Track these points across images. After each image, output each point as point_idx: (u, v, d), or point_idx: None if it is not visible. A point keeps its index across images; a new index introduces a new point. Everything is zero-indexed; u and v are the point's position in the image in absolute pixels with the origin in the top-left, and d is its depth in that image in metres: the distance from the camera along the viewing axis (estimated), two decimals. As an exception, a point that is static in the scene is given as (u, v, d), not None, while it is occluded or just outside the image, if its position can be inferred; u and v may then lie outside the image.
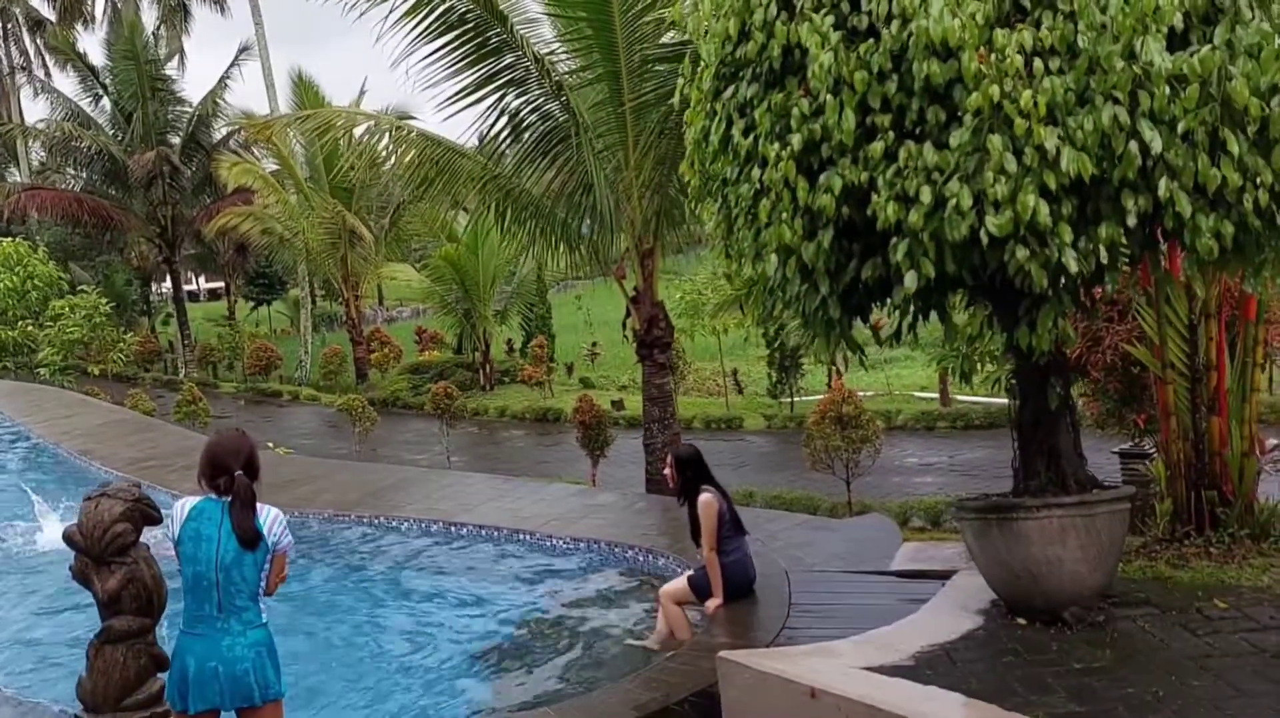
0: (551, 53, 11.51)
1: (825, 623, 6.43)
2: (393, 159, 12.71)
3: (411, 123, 13.65)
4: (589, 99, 11.63)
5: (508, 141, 12.04)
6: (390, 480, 12.75)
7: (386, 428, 20.01)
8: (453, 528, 10.48)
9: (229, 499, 4.41)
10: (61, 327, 26.72)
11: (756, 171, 5.04)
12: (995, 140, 4.39)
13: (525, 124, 11.84)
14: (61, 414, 18.29)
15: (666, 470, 7.46)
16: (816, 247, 4.87)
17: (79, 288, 30.65)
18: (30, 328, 27.29)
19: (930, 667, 4.85)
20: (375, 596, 9.21)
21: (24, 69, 43.64)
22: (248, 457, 4.48)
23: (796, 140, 4.78)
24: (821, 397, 14.82)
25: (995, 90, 4.37)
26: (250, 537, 4.36)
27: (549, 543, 9.73)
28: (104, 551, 5.11)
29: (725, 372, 24.57)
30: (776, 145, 4.89)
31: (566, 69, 11.62)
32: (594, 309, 31.61)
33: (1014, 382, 5.75)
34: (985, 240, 4.47)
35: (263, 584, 4.45)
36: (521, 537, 9.95)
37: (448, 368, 26.60)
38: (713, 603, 6.85)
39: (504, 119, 11.75)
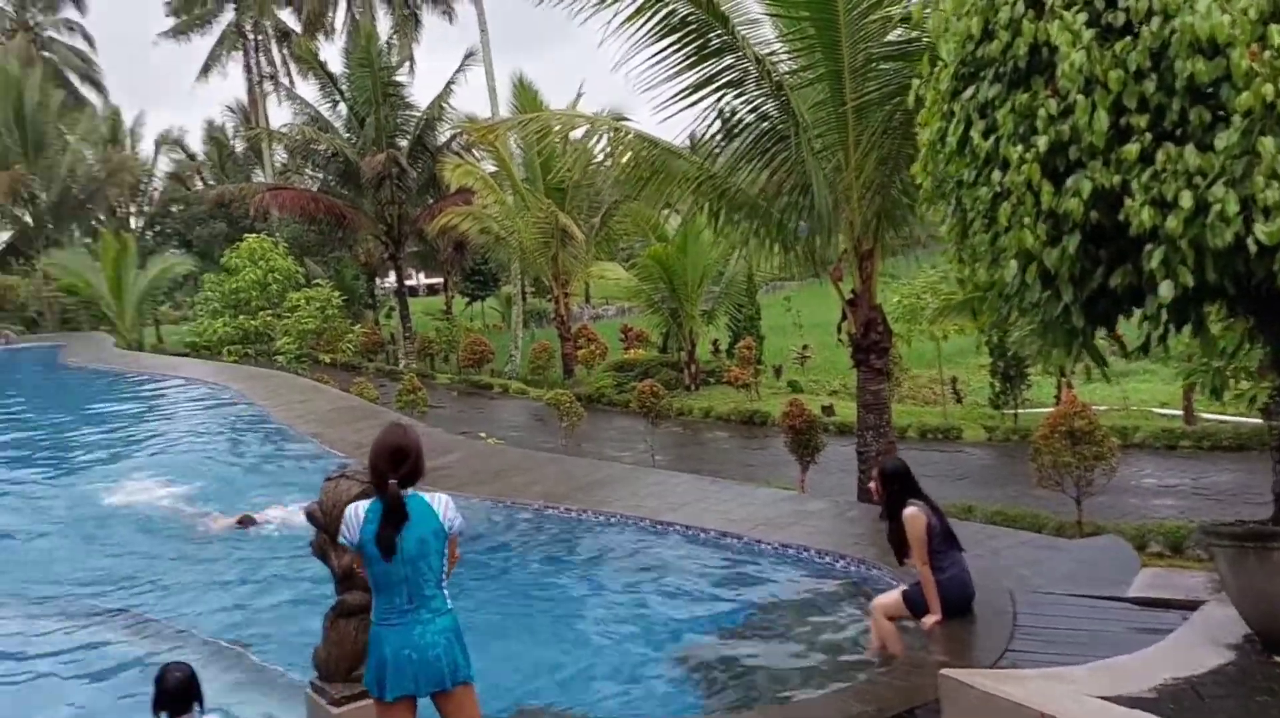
0: (772, 53, 11.51)
1: (1052, 648, 6.21)
2: (609, 160, 13.02)
3: (628, 124, 13.99)
4: (809, 99, 11.59)
5: (724, 142, 12.16)
6: (597, 476, 13.11)
7: (591, 424, 20.55)
8: (659, 526, 10.69)
9: (409, 495, 4.59)
10: (297, 317, 28.76)
11: (996, 174, 4.94)
12: (1267, 143, 4.15)
13: (743, 124, 11.92)
14: (296, 399, 19.76)
15: (871, 484, 7.40)
16: (1061, 252, 4.73)
17: (314, 281, 32.98)
18: (270, 318, 29.52)
19: (1174, 701, 4.63)
20: (581, 589, 9.50)
21: (271, 78, 47.63)
22: (414, 457, 4.61)
23: (1042, 142, 4.66)
24: (1049, 409, 14.20)
25: (1269, 89, 4.13)
26: (387, 549, 4.53)
27: (757, 547, 9.79)
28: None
29: (944, 379, 23.88)
30: (1020, 147, 4.78)
31: (787, 69, 11.61)
32: (804, 311, 31.36)
33: (1276, 400, 5.38)
34: (1252, 248, 4.22)
35: (445, 570, 4.65)
36: (729, 539, 10.05)
37: (652, 367, 27.03)
38: (930, 619, 6.74)
39: (721, 119, 11.87)
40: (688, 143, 13.49)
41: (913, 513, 6.80)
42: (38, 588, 10.17)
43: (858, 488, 11.86)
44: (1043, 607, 7.06)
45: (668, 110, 11.44)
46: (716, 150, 12.23)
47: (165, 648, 7.87)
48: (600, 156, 13.11)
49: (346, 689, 5.48)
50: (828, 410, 20.90)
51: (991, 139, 4.98)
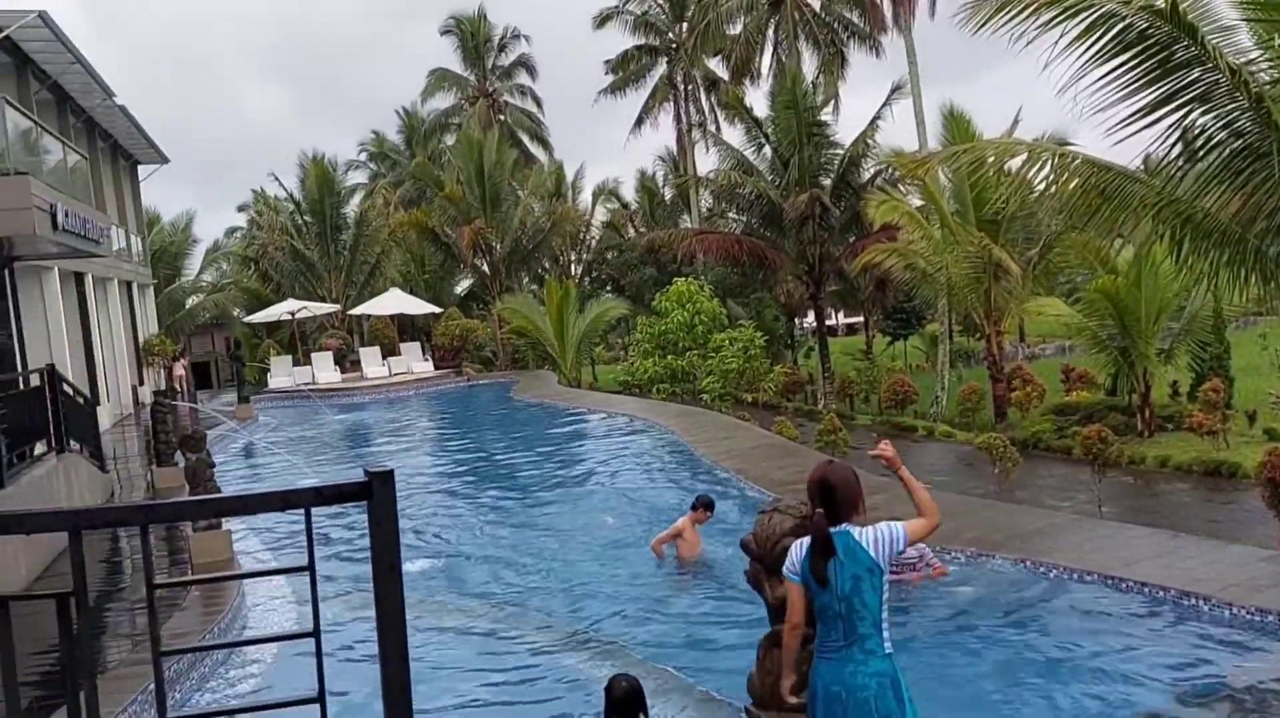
0: (1249, 62, 10.69)
1: None
2: (1053, 188, 12.64)
3: (1074, 148, 13.51)
4: (1298, 109, 10.61)
5: (1187, 164, 11.42)
6: (1036, 525, 12.66)
7: (1025, 470, 19.73)
8: (1110, 582, 10.16)
9: (839, 531, 4.81)
10: (721, 357, 30.43)
11: None
12: None
13: (1212, 142, 11.14)
14: (720, 436, 20.89)
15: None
16: None
17: (736, 322, 34.66)
18: (695, 358, 31.49)
19: None
20: (1014, 645, 9.21)
21: (699, 125, 50.94)
22: (839, 491, 4.82)
23: None
24: None
25: None
26: (819, 578, 4.73)
27: (1228, 612, 9.06)
28: (774, 561, 5.77)
29: None
30: None
31: (1268, 79, 10.71)
32: (1284, 349, 28.04)
33: None
34: None
35: (885, 612, 4.78)
36: (1193, 601, 9.37)
37: (1098, 410, 25.39)
38: None
39: (1184, 139, 11.17)
40: (1140, 166, 12.79)
41: None
42: (487, 603, 11.59)
43: (1357, 554, 10.53)
44: None
45: (1120, 132, 10.96)
46: (1178, 173, 11.50)
47: (607, 666, 8.63)
48: (1042, 185, 12.77)
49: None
50: (1315, 465, 18.53)
51: None
